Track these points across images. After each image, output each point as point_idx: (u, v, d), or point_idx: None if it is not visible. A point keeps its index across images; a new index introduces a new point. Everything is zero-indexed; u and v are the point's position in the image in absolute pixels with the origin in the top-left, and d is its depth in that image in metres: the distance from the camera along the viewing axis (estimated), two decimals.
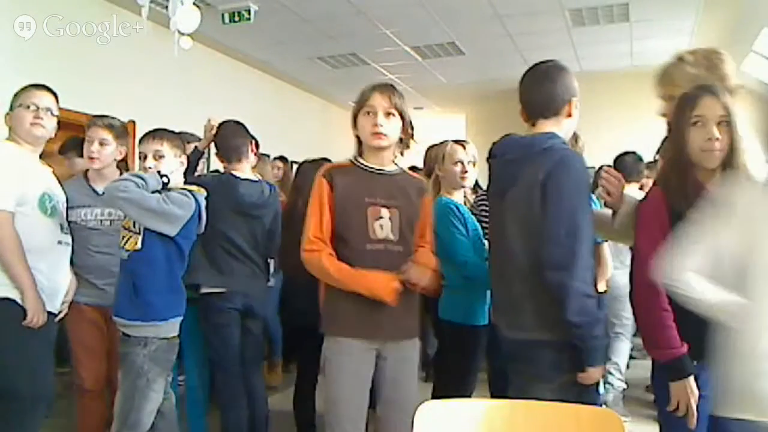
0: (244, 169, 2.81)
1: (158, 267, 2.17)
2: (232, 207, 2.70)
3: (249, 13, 5.15)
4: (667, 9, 5.54)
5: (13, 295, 2.19)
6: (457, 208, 2.60)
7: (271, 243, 2.92)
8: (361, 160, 2.04)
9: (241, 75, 6.88)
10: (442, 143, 2.97)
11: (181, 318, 2.26)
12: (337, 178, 2.00)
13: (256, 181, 2.85)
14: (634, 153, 3.86)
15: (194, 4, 2.98)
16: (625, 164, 3.71)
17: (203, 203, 2.33)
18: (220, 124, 2.86)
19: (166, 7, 2.98)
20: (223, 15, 5.21)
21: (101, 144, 2.56)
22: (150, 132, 2.31)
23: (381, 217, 1.95)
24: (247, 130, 2.87)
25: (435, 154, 2.98)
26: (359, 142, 2.06)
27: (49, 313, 2.28)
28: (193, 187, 2.34)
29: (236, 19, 5.21)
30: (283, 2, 5.16)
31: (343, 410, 1.95)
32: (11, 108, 2.36)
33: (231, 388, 2.74)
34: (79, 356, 2.59)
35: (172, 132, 2.35)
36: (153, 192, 2.14)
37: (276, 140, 5.95)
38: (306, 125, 7.99)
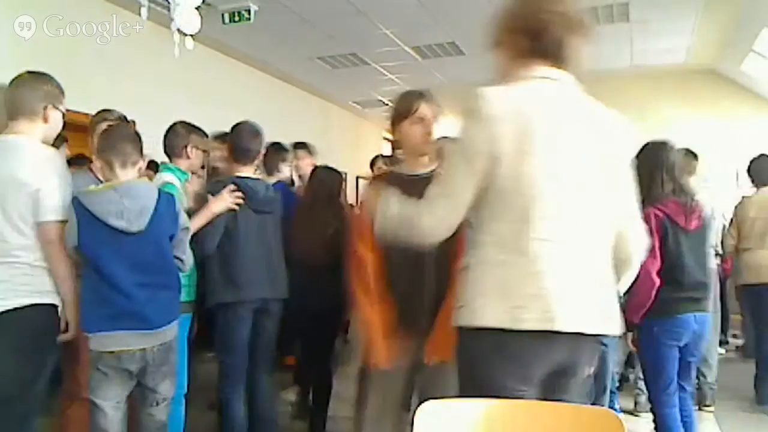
0: (250, 172, 2.85)
1: (85, 279, 2.16)
2: (249, 205, 2.74)
3: (249, 13, 5.15)
4: (667, 9, 5.54)
5: (57, 301, 2.17)
6: None
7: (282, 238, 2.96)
8: (397, 169, 2.11)
9: (241, 75, 6.88)
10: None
11: (113, 332, 2.11)
12: (379, 188, 2.10)
13: (259, 179, 2.91)
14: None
15: (196, 7, 2.97)
16: None
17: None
18: (238, 124, 2.89)
19: (167, 7, 2.97)
20: (223, 15, 5.21)
21: None
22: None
23: None
24: (262, 137, 2.93)
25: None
26: (393, 147, 2.13)
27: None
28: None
29: (236, 19, 5.21)
30: (283, 2, 5.17)
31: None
32: (43, 101, 2.24)
33: (234, 386, 2.74)
34: (80, 361, 2.43)
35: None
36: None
37: (276, 140, 5.95)
38: (306, 125, 7.99)
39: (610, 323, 1.44)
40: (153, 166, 3.61)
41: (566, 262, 1.37)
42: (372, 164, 3.52)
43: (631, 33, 6.19)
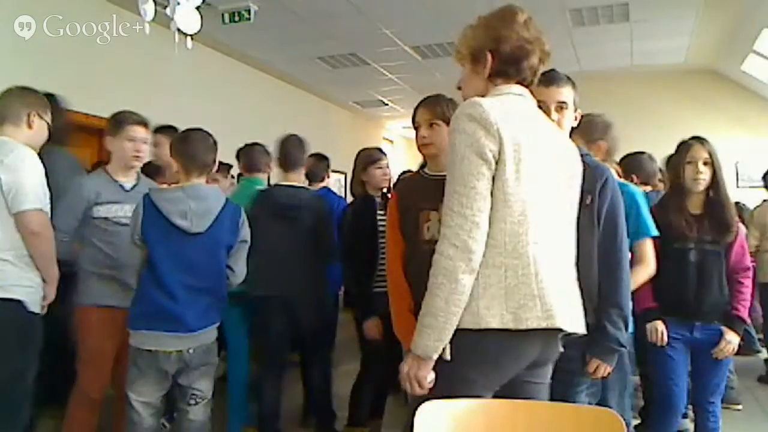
0: (290, 180, 3.10)
1: (142, 274, 2.23)
2: (270, 211, 2.93)
3: (249, 13, 5.15)
4: (667, 9, 5.55)
5: (23, 296, 2.19)
6: None
7: (318, 243, 3.06)
8: (425, 169, 2.18)
9: (241, 75, 6.87)
10: None
11: (150, 331, 2.15)
12: (402, 186, 2.22)
13: (293, 186, 3.09)
14: (643, 153, 3.67)
15: (196, 7, 2.97)
16: (641, 164, 3.56)
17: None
18: (287, 137, 3.17)
19: (166, 6, 2.97)
20: (223, 15, 5.21)
21: (144, 143, 2.63)
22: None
23: (429, 220, 2.03)
24: (304, 146, 3.21)
25: None
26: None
27: (37, 313, 2.27)
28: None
29: (236, 19, 5.21)
30: (283, 2, 5.17)
31: None
32: (27, 108, 2.32)
33: (266, 372, 3.04)
34: (96, 362, 2.48)
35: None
36: None
37: (275, 140, 5.94)
38: (306, 125, 7.98)
39: (582, 322, 1.55)
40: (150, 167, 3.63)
41: (550, 264, 1.44)
42: (370, 163, 3.31)
43: (631, 33, 6.19)
